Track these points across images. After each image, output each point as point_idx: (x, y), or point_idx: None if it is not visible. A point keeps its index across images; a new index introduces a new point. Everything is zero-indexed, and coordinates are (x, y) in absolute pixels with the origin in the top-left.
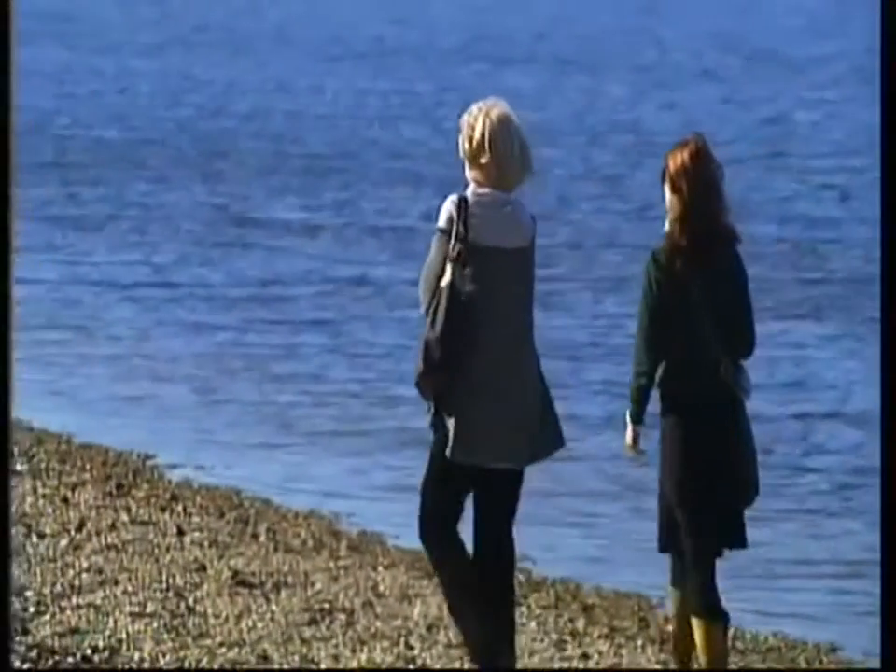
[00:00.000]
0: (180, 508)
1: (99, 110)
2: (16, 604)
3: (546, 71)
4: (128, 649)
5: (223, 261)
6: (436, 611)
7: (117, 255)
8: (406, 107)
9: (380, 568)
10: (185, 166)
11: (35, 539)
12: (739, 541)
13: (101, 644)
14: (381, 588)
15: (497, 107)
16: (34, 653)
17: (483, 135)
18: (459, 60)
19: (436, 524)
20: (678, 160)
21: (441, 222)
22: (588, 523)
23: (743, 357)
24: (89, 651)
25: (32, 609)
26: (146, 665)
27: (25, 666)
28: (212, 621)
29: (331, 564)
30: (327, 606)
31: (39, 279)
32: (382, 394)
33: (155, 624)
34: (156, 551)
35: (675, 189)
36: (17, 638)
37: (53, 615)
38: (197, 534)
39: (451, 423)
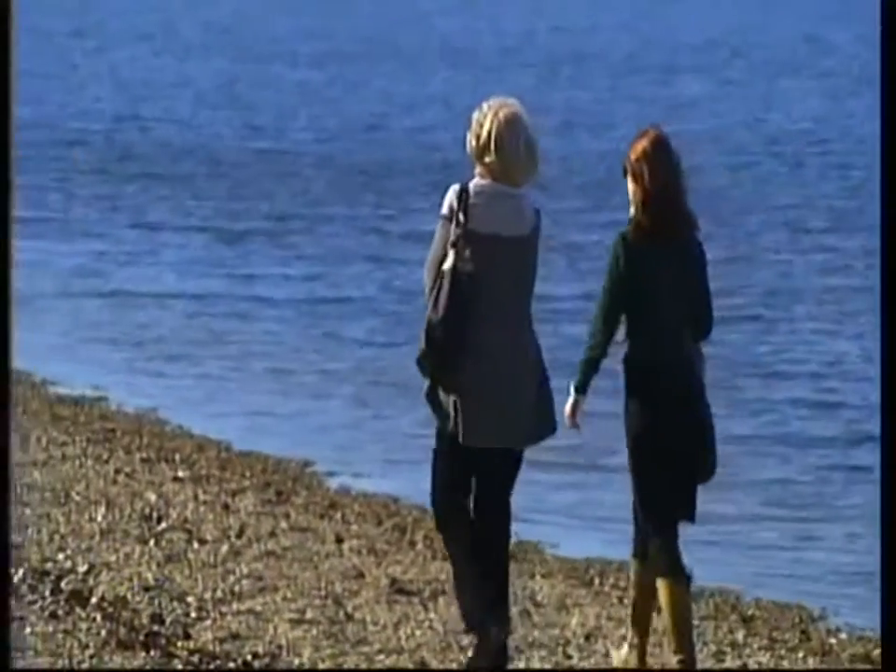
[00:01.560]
0: (339, 515)
1: (262, 120)
2: (177, 609)
3: (716, 79)
4: (287, 655)
5: (387, 276)
6: (594, 621)
7: (279, 269)
8: (576, 116)
9: (537, 577)
10: (348, 178)
11: (196, 545)
12: (689, 516)
13: (261, 650)
14: (539, 597)
15: (505, 107)
16: (195, 658)
17: (489, 135)
18: (629, 69)
19: (447, 504)
20: (638, 149)
21: (444, 210)
22: (746, 536)
23: (703, 337)
24: (249, 657)
25: (193, 615)
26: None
27: (188, 669)
28: (370, 628)
29: None
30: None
31: (202, 293)
32: None
33: (314, 631)
34: (315, 558)
35: (636, 177)
36: (178, 643)
37: (214, 620)
38: (355, 541)
39: (454, 405)
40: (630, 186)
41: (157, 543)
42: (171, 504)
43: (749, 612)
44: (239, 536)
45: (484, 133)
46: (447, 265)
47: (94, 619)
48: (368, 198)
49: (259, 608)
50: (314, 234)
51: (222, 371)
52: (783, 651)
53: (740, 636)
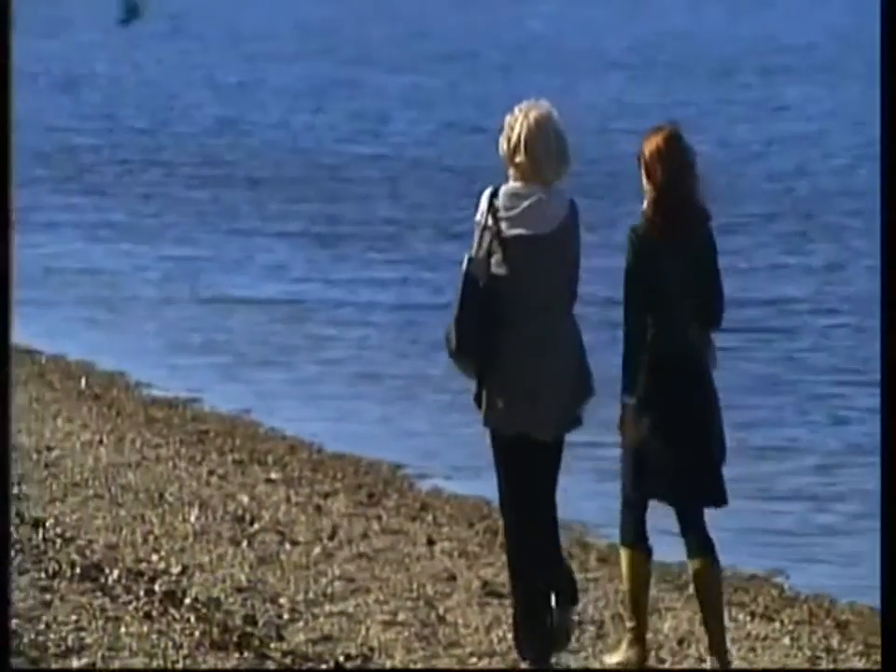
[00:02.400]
0: (430, 517)
1: (358, 124)
2: (270, 610)
3: (816, 81)
4: (379, 657)
5: None
6: (686, 625)
7: (375, 273)
8: (672, 118)
9: None
10: (445, 182)
11: (288, 546)
12: (721, 499)
13: (353, 651)
14: None
15: (535, 109)
16: (288, 659)
17: (519, 137)
18: (727, 71)
19: (511, 495)
20: (652, 145)
21: (477, 216)
22: (843, 543)
23: (712, 326)
24: (341, 658)
25: (286, 616)
26: None
27: (281, 670)
28: (462, 630)
29: (580, 576)
30: (576, 618)
31: (297, 298)
32: None
33: (406, 633)
34: (406, 560)
35: (649, 173)
36: (271, 644)
37: (307, 622)
38: (447, 543)
39: (484, 395)
40: (644, 180)
41: (250, 545)
42: (263, 506)
43: (844, 617)
44: (331, 538)
45: (514, 136)
46: (462, 270)
47: (188, 619)
48: (466, 202)
49: (351, 609)
50: (410, 238)
51: (316, 374)
52: (879, 657)
53: (835, 641)
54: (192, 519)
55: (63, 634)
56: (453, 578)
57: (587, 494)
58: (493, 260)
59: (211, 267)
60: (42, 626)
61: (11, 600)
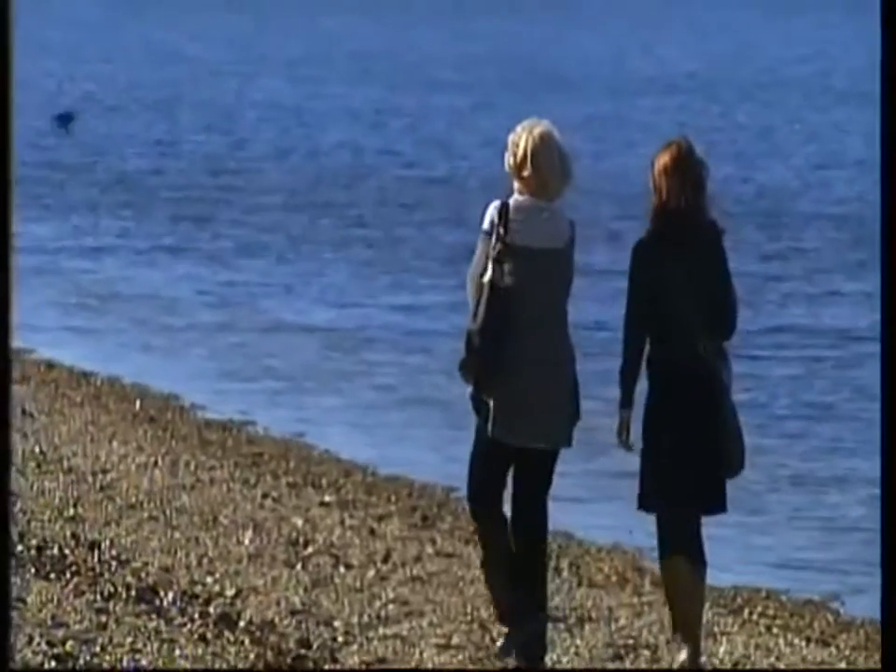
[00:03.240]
0: None
1: (420, 149)
2: (324, 633)
3: (868, 105)
4: None
5: None
6: (742, 649)
7: (433, 298)
8: (745, 141)
9: None
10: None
11: (342, 569)
12: (719, 507)
13: None
14: None
15: (539, 126)
16: None
17: (525, 152)
18: (810, 93)
19: (481, 498)
20: (660, 161)
21: (485, 225)
22: None
23: (723, 339)
24: None
25: (340, 639)
26: None
27: None
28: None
29: (635, 599)
30: (631, 642)
31: (354, 324)
32: None
33: (460, 656)
34: (460, 583)
35: (655, 184)
36: (325, 667)
37: (361, 645)
38: None
39: (491, 404)
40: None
41: (304, 568)
42: (317, 529)
43: None
44: (385, 560)
45: (521, 151)
46: (486, 278)
47: (242, 642)
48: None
49: (405, 632)
50: (467, 263)
51: (370, 399)
52: None
53: None
54: (247, 541)
55: (119, 656)
56: None
57: (641, 518)
58: (503, 269)
59: (267, 292)
60: (97, 648)
61: (11, 602)
